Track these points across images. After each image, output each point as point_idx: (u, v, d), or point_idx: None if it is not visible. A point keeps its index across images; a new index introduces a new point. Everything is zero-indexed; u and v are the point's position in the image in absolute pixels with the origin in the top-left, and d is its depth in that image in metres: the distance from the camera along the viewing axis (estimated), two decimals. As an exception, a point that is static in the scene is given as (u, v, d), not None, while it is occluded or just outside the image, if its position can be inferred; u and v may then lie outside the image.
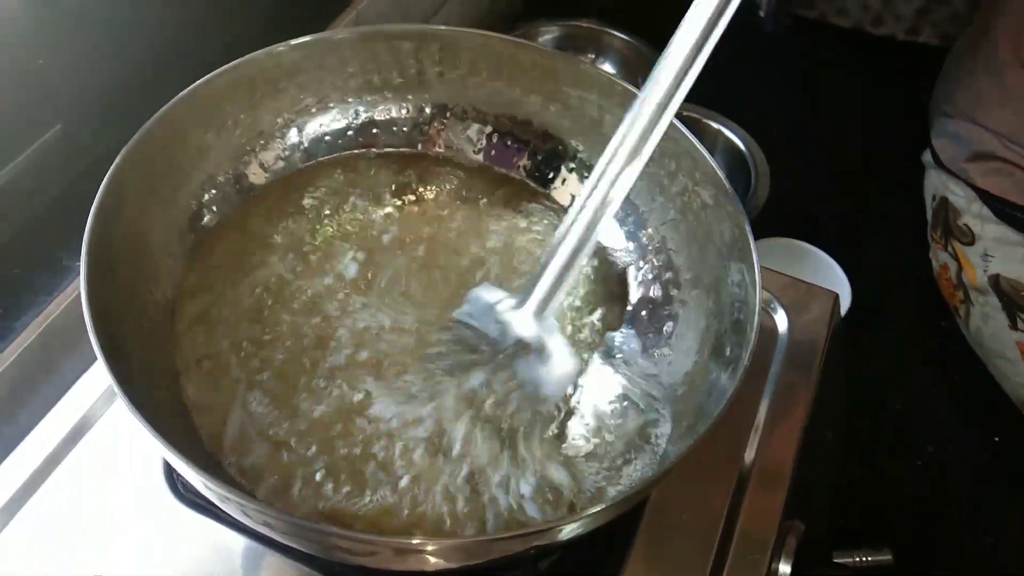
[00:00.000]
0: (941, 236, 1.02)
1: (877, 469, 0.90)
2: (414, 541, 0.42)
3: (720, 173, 0.55)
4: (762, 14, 1.10)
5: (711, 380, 0.52)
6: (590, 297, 0.61)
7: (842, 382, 0.70)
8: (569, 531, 0.44)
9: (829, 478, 0.71)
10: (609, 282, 0.61)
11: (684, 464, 0.45)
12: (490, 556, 0.45)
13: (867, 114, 1.20)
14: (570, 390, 0.56)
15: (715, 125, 0.99)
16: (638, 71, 1.06)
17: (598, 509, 0.43)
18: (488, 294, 0.54)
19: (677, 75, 0.48)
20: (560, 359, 0.52)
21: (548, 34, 1.13)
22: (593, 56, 1.13)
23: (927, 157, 1.08)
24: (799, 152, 1.09)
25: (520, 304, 0.51)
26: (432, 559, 0.43)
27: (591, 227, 0.50)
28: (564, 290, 0.51)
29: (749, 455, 0.59)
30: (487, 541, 0.45)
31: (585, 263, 0.51)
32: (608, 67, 1.12)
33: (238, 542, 0.53)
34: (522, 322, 0.51)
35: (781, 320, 0.66)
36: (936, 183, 1.05)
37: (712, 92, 1.00)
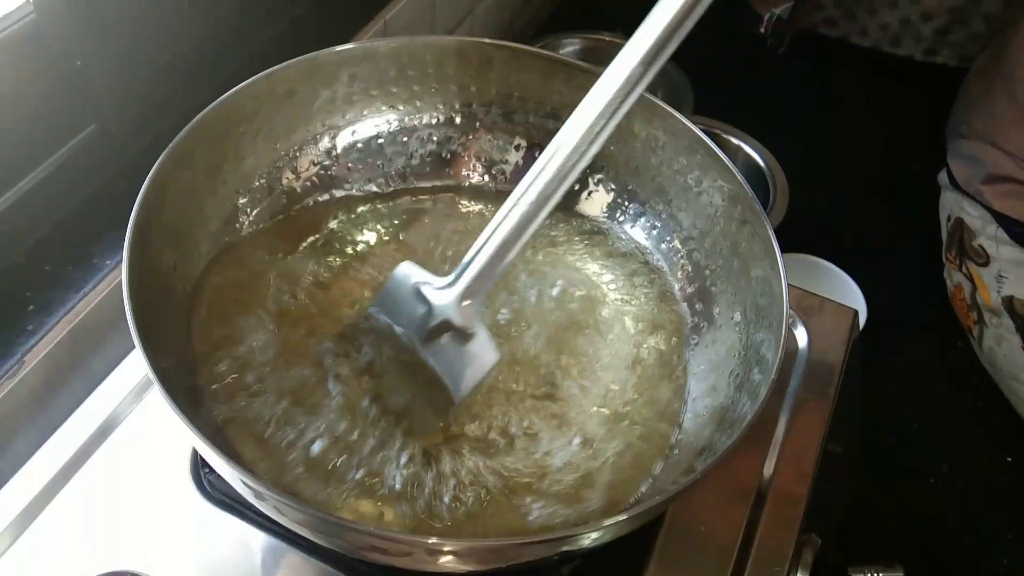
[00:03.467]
0: (956, 256, 1.03)
1: (891, 486, 0.90)
2: (447, 546, 0.42)
3: (752, 197, 0.55)
4: (763, 30, 1.11)
5: (734, 397, 0.53)
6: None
7: (858, 399, 0.71)
8: (590, 539, 0.44)
9: (844, 493, 0.71)
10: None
11: (703, 477, 0.46)
12: (515, 560, 0.46)
13: (884, 134, 1.21)
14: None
15: (735, 141, 1.00)
16: (658, 86, 1.07)
17: (620, 519, 0.43)
18: (413, 271, 0.52)
19: (641, 60, 0.46)
20: (482, 348, 0.50)
21: (570, 46, 1.14)
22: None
23: (943, 178, 1.08)
24: (817, 169, 1.10)
25: (448, 286, 0.50)
26: (459, 562, 0.44)
27: (532, 213, 0.48)
28: (496, 276, 0.49)
29: (768, 469, 0.60)
30: (513, 545, 0.45)
31: (517, 252, 0.49)
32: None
33: (260, 539, 0.54)
34: (448, 304, 0.49)
35: (801, 336, 0.67)
36: (952, 204, 1.06)
37: (732, 108, 1.01)
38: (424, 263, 0.54)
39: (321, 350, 0.55)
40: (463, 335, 0.50)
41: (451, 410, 0.52)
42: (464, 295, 0.50)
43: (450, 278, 0.50)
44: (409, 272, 0.52)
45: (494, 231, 0.49)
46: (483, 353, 0.51)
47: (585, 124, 0.47)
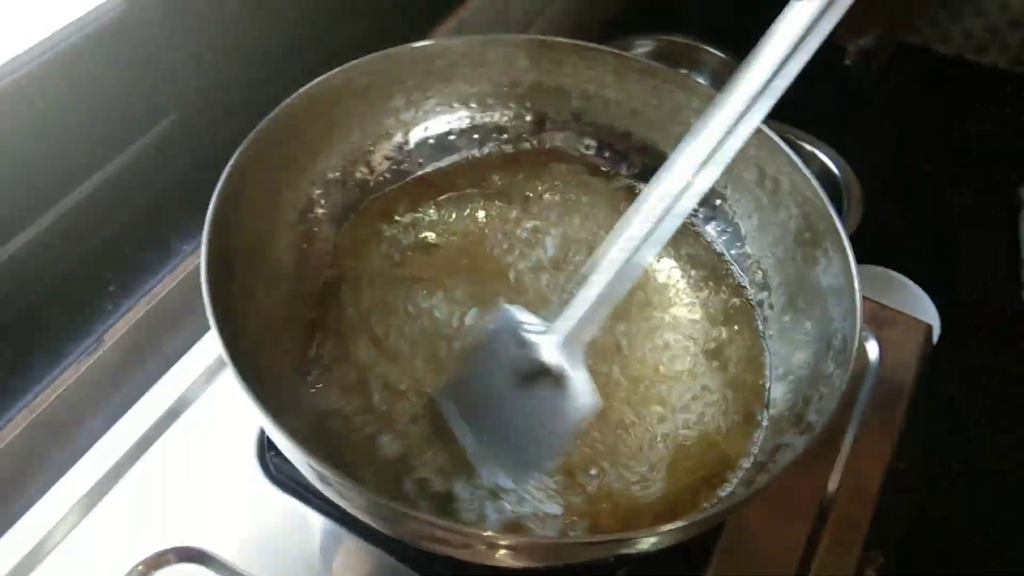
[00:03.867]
0: (1036, 274, 0.99)
1: (956, 507, 0.87)
2: (505, 540, 0.42)
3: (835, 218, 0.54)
4: (848, 62, 1.08)
5: (800, 410, 0.52)
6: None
7: (927, 415, 0.69)
8: (647, 544, 0.44)
9: (908, 510, 0.70)
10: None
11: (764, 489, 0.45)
12: (571, 559, 0.45)
13: (965, 144, 1.17)
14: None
15: (809, 147, 0.98)
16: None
17: (677, 526, 0.43)
18: (516, 314, 0.50)
19: (762, 82, 0.44)
20: (581, 394, 0.47)
21: (642, 48, 1.13)
22: (686, 72, 1.13)
23: (1024, 192, 1.05)
24: (892, 178, 1.07)
25: (550, 330, 0.48)
26: (517, 557, 0.44)
27: (639, 252, 0.45)
28: (600, 320, 0.47)
29: (832, 484, 0.59)
30: (571, 544, 0.45)
31: (624, 294, 0.47)
32: (701, 84, 1.11)
33: (320, 523, 0.55)
34: (548, 348, 0.48)
35: (872, 349, 0.65)
36: (1034, 219, 1.02)
37: (807, 114, 0.99)
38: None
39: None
40: (563, 380, 0.48)
41: (545, 464, 0.51)
42: (567, 340, 0.48)
43: (553, 322, 0.48)
44: (512, 314, 0.51)
45: (599, 272, 0.47)
46: (582, 400, 0.48)
47: (694, 159, 0.45)
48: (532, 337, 0.49)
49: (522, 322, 0.50)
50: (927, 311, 0.94)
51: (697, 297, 0.61)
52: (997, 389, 0.98)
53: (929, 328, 0.68)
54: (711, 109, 0.45)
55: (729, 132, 0.45)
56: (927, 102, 1.21)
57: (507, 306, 0.51)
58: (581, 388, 0.47)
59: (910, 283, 0.96)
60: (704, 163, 0.45)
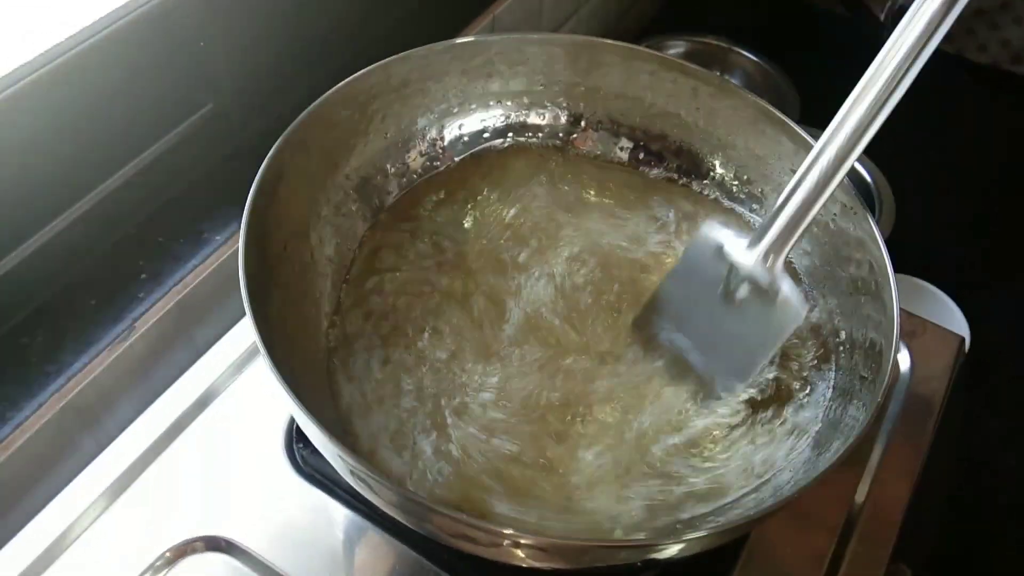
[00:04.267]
0: (1069, 288, 0.98)
1: (986, 523, 0.86)
2: (532, 540, 0.42)
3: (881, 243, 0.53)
4: (882, 18, 1.07)
5: (833, 422, 0.52)
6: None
7: (958, 429, 0.68)
8: (675, 549, 0.44)
9: (938, 525, 0.69)
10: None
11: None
12: (599, 562, 0.45)
13: (1000, 156, 1.15)
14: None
15: (841, 154, 0.97)
16: (764, 92, 1.05)
17: (703, 534, 0.43)
18: (716, 231, 0.52)
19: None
20: (788, 302, 0.49)
21: (674, 49, 1.13)
22: (719, 74, 1.12)
23: (1060, 204, 1.03)
24: (925, 188, 1.06)
25: (751, 244, 0.50)
26: (544, 558, 0.44)
27: (840, 161, 0.47)
28: (801, 230, 0.49)
29: (860, 495, 0.58)
30: (600, 547, 0.45)
31: (822, 204, 0.48)
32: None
33: (346, 516, 0.55)
34: (752, 262, 0.50)
35: (903, 360, 0.65)
36: (1068, 233, 1.01)
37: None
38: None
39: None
40: (767, 293, 0.50)
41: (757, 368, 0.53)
42: (768, 252, 0.50)
43: (753, 234, 0.50)
44: (711, 233, 0.53)
45: (800, 181, 0.48)
46: (789, 310, 0.50)
47: (877, 84, 0.47)
48: (733, 252, 0.51)
49: (721, 238, 0.52)
50: (958, 324, 0.92)
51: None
52: (1015, 390, 0.97)
53: (961, 340, 0.67)
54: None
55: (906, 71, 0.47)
56: (962, 112, 1.20)
57: (705, 224, 0.53)
58: (786, 297, 0.49)
59: (940, 293, 0.95)
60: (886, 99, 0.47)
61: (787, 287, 0.50)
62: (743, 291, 0.51)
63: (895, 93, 0.47)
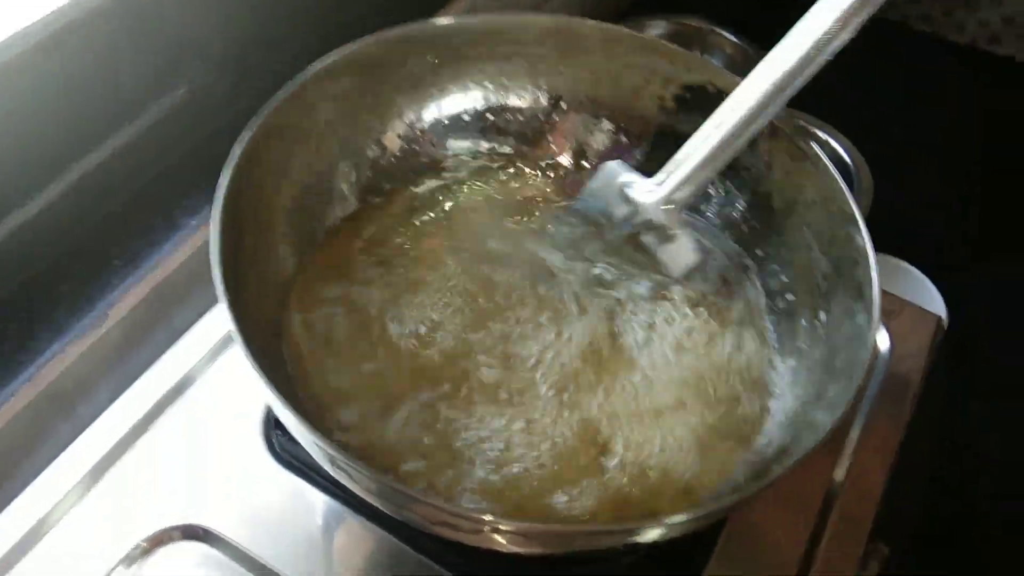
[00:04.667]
0: (1046, 268, 0.99)
1: (966, 504, 0.87)
2: (511, 526, 0.42)
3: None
4: None
5: (812, 403, 0.52)
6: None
7: (936, 409, 0.69)
8: (655, 534, 0.44)
9: (916, 505, 0.70)
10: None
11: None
12: (581, 547, 0.45)
13: (979, 134, 1.16)
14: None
15: (821, 134, 0.97)
16: (743, 73, 1.05)
17: (685, 518, 0.42)
18: (621, 169, 0.53)
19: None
20: (684, 248, 0.51)
21: (654, 29, 1.12)
22: (699, 55, 1.11)
23: (1036, 184, 1.04)
24: (903, 169, 1.06)
25: (654, 187, 0.51)
26: (526, 544, 0.44)
27: (754, 113, 0.48)
28: (704, 183, 0.50)
29: (839, 474, 0.58)
30: (581, 532, 0.45)
31: (728, 159, 0.49)
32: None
33: (324, 503, 0.55)
34: (652, 205, 0.50)
35: (882, 340, 0.65)
36: (1044, 212, 1.01)
37: (819, 101, 0.98)
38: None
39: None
40: (664, 236, 0.51)
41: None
42: (669, 198, 0.50)
43: (658, 179, 0.51)
44: (616, 170, 0.53)
45: (708, 134, 0.49)
46: (683, 254, 0.52)
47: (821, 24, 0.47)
48: (636, 194, 0.52)
49: (625, 178, 0.52)
50: (934, 302, 0.93)
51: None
52: (1004, 381, 0.98)
53: (939, 320, 0.67)
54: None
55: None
56: (941, 92, 1.20)
57: (608, 162, 0.54)
58: (683, 243, 0.51)
59: (917, 273, 0.96)
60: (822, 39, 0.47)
61: (684, 232, 0.51)
62: (641, 232, 0.52)
63: (827, 48, 0.47)
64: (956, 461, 0.90)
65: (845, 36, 0.47)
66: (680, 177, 0.50)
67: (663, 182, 0.51)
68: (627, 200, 0.52)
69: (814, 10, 0.48)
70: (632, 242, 0.53)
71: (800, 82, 0.48)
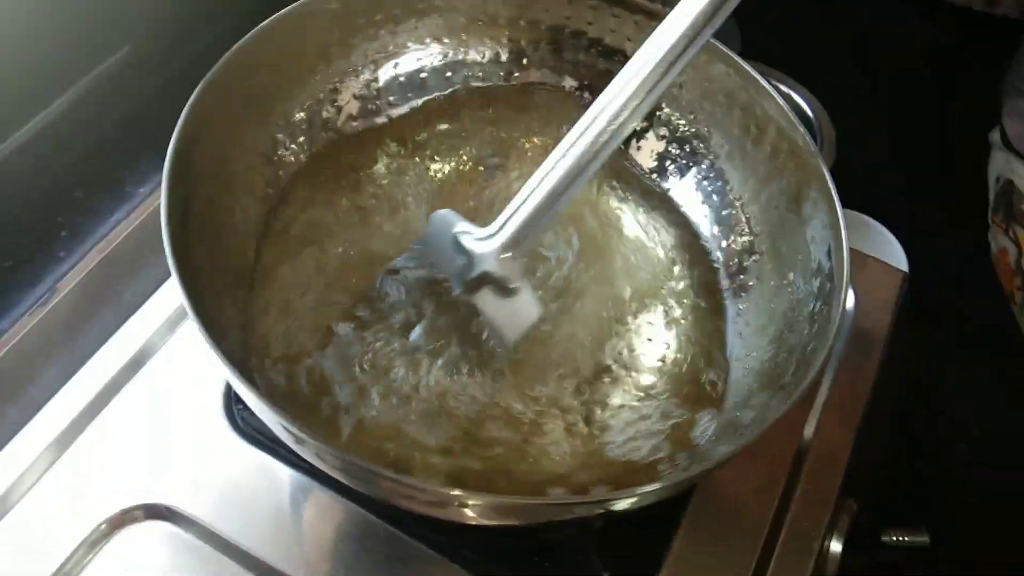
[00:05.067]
0: (1003, 220, 0.99)
1: (922, 450, 0.89)
2: (479, 500, 0.41)
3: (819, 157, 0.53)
4: None
5: (782, 362, 0.51)
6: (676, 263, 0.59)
7: (900, 362, 0.69)
8: (627, 503, 0.43)
9: (881, 456, 0.70)
10: (692, 250, 0.60)
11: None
12: (546, 519, 0.45)
13: (936, 87, 1.16)
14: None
15: (784, 88, 0.96)
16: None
17: (656, 487, 0.42)
18: (453, 219, 0.49)
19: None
20: (524, 303, 0.48)
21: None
22: (662, 6, 1.09)
23: (994, 137, 1.04)
24: (864, 122, 1.06)
25: (489, 236, 0.48)
26: (491, 516, 0.43)
27: (584, 162, 0.46)
28: (541, 228, 0.47)
29: (808, 431, 0.59)
30: (546, 505, 0.45)
31: (565, 203, 0.47)
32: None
33: (290, 476, 0.54)
34: (488, 255, 0.47)
35: (848, 297, 0.65)
36: (1002, 164, 1.02)
37: (779, 53, 0.97)
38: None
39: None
40: (504, 289, 0.48)
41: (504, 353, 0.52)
42: (505, 247, 0.47)
43: (492, 228, 0.48)
44: (448, 220, 0.50)
45: (542, 180, 0.46)
46: (525, 308, 0.49)
47: (648, 66, 0.45)
48: (470, 244, 0.48)
49: (459, 229, 0.49)
50: (897, 256, 0.93)
51: (667, 247, 0.60)
52: (965, 332, 0.99)
53: (904, 275, 0.68)
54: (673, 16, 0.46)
55: (678, 56, 0.45)
56: (901, 44, 1.20)
57: (441, 211, 0.50)
58: (523, 297, 0.48)
59: (880, 227, 0.96)
60: (657, 79, 0.46)
61: (523, 285, 0.48)
62: (480, 284, 0.48)
63: (658, 86, 0.46)
64: (932, 427, 0.91)
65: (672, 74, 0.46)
66: (517, 223, 0.47)
67: (499, 230, 0.48)
68: (462, 251, 0.48)
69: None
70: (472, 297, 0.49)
71: (630, 124, 0.47)
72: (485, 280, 0.48)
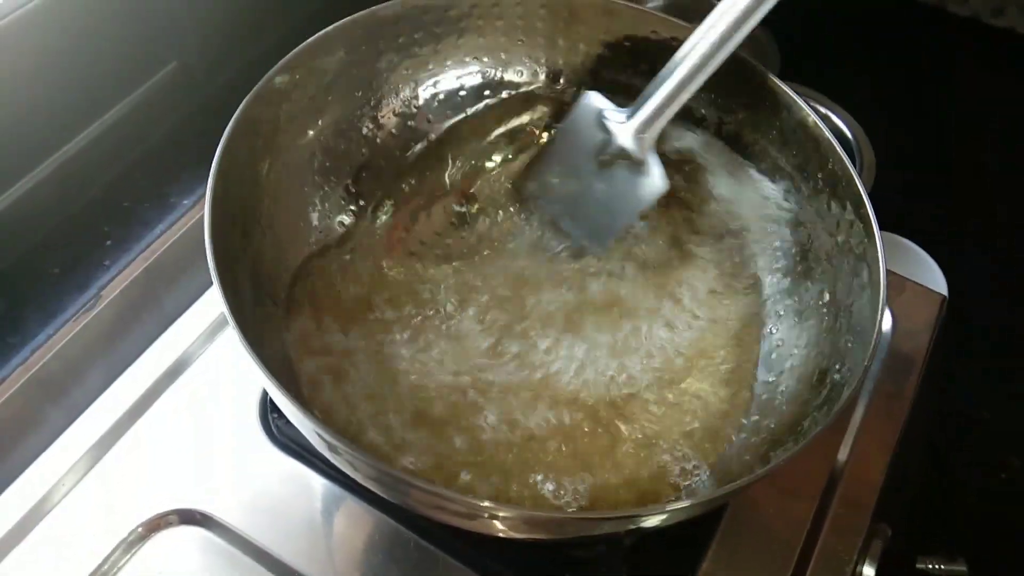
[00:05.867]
0: (1047, 243, 0.98)
1: (960, 478, 0.87)
2: (509, 512, 0.41)
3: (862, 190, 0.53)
4: None
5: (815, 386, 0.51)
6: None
7: (938, 387, 0.68)
8: (656, 520, 0.43)
9: (916, 482, 0.69)
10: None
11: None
12: (574, 534, 0.45)
13: (979, 109, 1.14)
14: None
15: (822, 109, 0.96)
16: (745, 47, 1.03)
17: (685, 504, 0.42)
18: (598, 101, 0.56)
19: None
20: (652, 177, 0.54)
21: (653, 2, 1.10)
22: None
23: (1037, 157, 1.03)
24: (905, 144, 1.05)
25: (628, 117, 0.54)
26: (523, 530, 0.43)
27: (718, 45, 0.50)
28: (674, 110, 0.53)
29: (843, 454, 0.58)
30: (576, 520, 0.45)
31: (695, 89, 0.52)
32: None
33: (322, 486, 0.54)
34: (626, 134, 0.54)
35: (885, 320, 0.64)
36: (1045, 187, 1.00)
37: (820, 75, 0.97)
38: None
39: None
40: (636, 164, 0.55)
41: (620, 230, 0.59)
42: (641, 127, 0.54)
43: (630, 109, 0.55)
44: (594, 100, 0.57)
45: (676, 66, 0.52)
46: (653, 181, 0.55)
47: None
48: (611, 123, 0.55)
49: (603, 108, 0.56)
50: (937, 281, 0.92)
51: (711, 262, 0.60)
52: (1007, 358, 0.97)
53: (943, 299, 0.67)
54: None
55: None
56: (943, 66, 1.19)
57: (588, 92, 0.57)
58: (653, 171, 0.55)
59: (919, 250, 0.95)
60: None
61: (654, 161, 0.54)
62: (615, 159, 0.56)
63: None
64: (972, 455, 0.89)
65: None
66: (652, 107, 0.53)
67: (635, 112, 0.54)
68: (603, 128, 0.56)
69: None
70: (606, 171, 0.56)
71: (765, 7, 0.50)
72: (621, 155, 0.55)
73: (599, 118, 0.56)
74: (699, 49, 0.51)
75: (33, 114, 0.55)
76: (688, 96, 0.53)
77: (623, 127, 0.55)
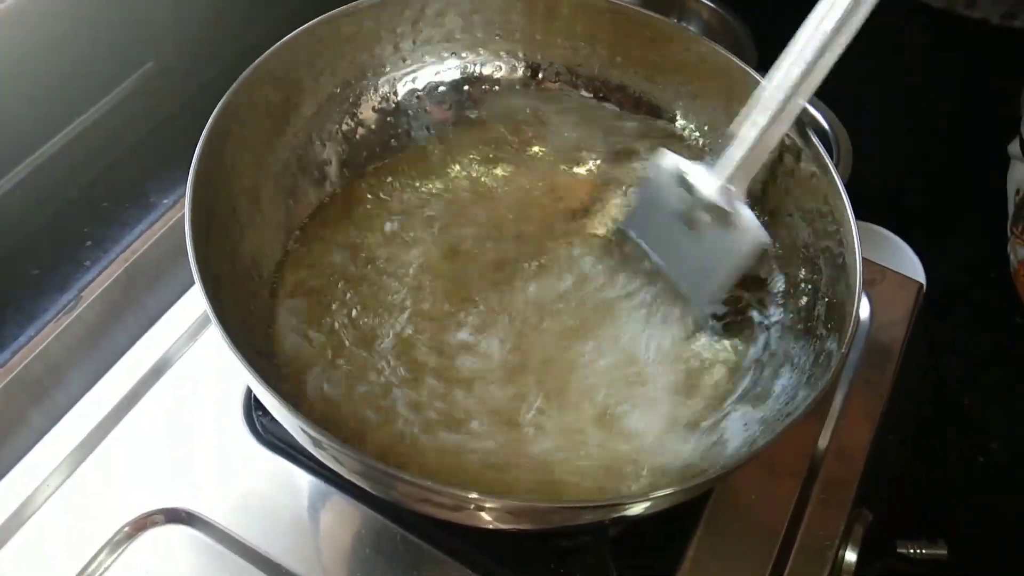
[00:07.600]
0: (1022, 232, 0.99)
1: (940, 463, 0.88)
2: (496, 503, 0.42)
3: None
4: None
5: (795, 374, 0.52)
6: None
7: (916, 374, 0.69)
8: (641, 508, 0.44)
9: (896, 468, 0.70)
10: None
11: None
12: (564, 523, 0.45)
13: (954, 100, 1.16)
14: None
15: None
16: (723, 41, 1.04)
17: (669, 491, 0.42)
18: (674, 160, 0.54)
19: None
20: (748, 229, 0.51)
21: (630, -4, 1.10)
22: (676, 22, 1.10)
23: (1014, 148, 1.04)
24: (880, 133, 1.06)
25: (711, 173, 0.52)
26: (510, 520, 0.44)
27: (798, 87, 0.48)
28: (759, 161, 0.51)
29: (823, 442, 0.59)
30: (563, 508, 0.45)
31: (780, 137, 0.51)
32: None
33: (309, 483, 0.54)
34: (712, 190, 0.52)
35: (863, 308, 0.65)
36: (1021, 176, 1.02)
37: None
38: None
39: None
40: (727, 219, 0.52)
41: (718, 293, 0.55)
42: (730, 180, 0.51)
43: (713, 164, 0.52)
44: (670, 161, 0.54)
45: (758, 115, 0.50)
46: (749, 234, 0.52)
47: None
48: (696, 181, 0.53)
49: (682, 167, 0.53)
50: (915, 269, 0.93)
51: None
52: (984, 345, 0.99)
53: (920, 287, 0.68)
54: None
55: None
56: (918, 57, 1.20)
57: (659, 151, 0.55)
58: (747, 224, 0.51)
59: (897, 239, 0.96)
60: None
61: (747, 213, 0.51)
62: (705, 217, 0.53)
63: (855, 14, 0.48)
64: (950, 441, 0.91)
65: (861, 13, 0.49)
66: (735, 161, 0.51)
67: (718, 166, 0.52)
68: (686, 185, 0.53)
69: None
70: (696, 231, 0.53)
71: (831, 58, 0.49)
72: (709, 211, 0.52)
73: (680, 176, 0.53)
74: (789, 77, 0.49)
75: (10, 115, 0.55)
76: (777, 141, 0.50)
77: (707, 182, 0.52)
